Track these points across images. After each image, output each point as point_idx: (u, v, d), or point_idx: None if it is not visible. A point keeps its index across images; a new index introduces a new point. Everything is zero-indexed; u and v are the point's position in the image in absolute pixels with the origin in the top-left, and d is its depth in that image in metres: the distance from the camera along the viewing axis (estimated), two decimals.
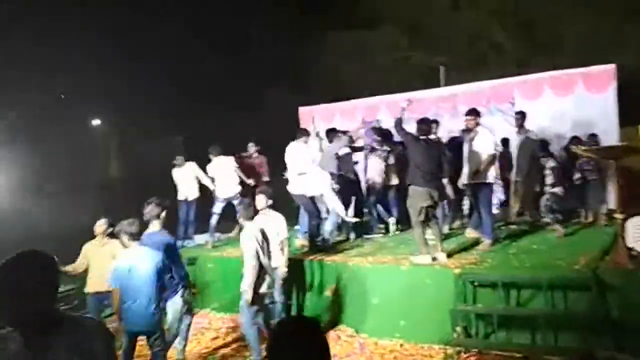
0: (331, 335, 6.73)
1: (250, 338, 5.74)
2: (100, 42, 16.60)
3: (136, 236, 5.11)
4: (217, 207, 8.90)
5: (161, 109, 17.57)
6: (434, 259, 6.69)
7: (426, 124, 7.15)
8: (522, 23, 14.94)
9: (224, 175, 8.93)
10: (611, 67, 8.89)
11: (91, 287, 6.37)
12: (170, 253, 5.42)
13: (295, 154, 8.11)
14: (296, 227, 8.79)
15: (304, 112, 11.88)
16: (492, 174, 7.28)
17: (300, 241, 8.38)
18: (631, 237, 6.41)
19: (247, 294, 5.55)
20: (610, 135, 8.42)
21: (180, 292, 5.70)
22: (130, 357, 5.10)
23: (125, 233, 5.07)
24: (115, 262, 5.07)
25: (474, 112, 7.35)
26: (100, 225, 6.54)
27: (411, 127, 7.17)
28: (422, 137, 6.91)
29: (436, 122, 8.71)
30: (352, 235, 8.60)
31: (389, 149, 8.88)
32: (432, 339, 6.07)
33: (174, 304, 5.70)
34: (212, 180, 9.08)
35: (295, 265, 7.42)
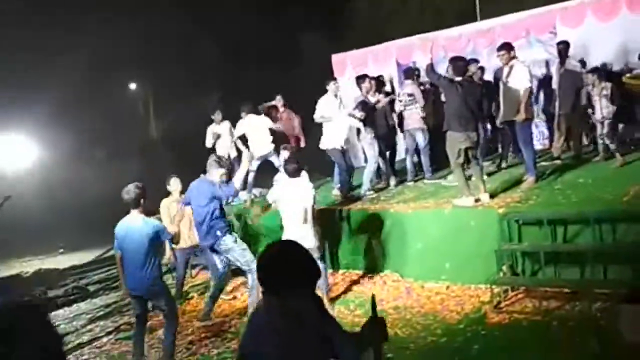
0: (377, 281, 6.85)
1: None
2: (131, 4, 16.64)
3: None
4: (253, 165, 8.90)
5: (195, 69, 17.62)
6: (477, 200, 6.62)
7: (461, 63, 6.91)
8: None
9: (256, 132, 8.87)
10: None
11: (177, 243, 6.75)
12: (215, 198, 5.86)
13: (324, 107, 8.11)
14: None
15: (337, 59, 11.69)
16: (531, 110, 7.06)
17: (335, 192, 8.40)
18: None
19: None
20: None
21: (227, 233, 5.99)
22: (142, 321, 5.36)
23: None
24: (116, 228, 5.21)
25: (505, 47, 7.10)
26: (175, 182, 7.07)
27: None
28: (457, 80, 6.70)
29: (475, 60, 8.44)
30: (392, 182, 8.54)
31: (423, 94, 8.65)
32: (478, 279, 6.06)
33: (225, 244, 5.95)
34: (244, 138, 9.04)
35: (337, 215, 7.51)
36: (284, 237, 5.67)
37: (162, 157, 17.07)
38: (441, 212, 6.70)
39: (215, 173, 5.95)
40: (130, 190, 5.07)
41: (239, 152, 9.09)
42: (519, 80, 6.89)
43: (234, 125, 9.35)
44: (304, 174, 6.28)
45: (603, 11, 8.73)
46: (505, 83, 7.03)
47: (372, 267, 7.14)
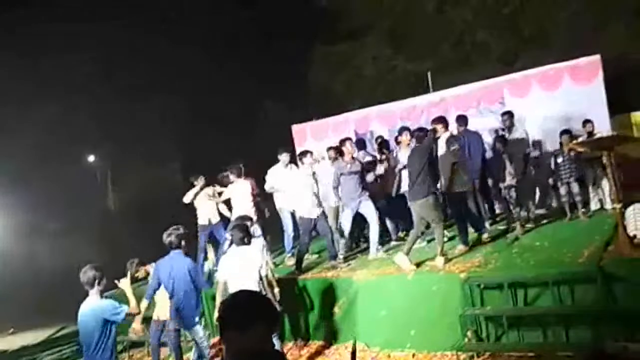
0: (342, 352, 6.72)
1: None
2: (86, 75, 16.71)
3: None
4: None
5: (153, 139, 17.64)
6: (417, 264, 6.82)
7: (421, 133, 7.26)
8: (505, 18, 15.00)
9: (242, 198, 8.65)
10: (596, 58, 8.91)
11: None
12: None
13: (273, 177, 8.47)
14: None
15: (298, 129, 11.91)
16: (462, 181, 7.35)
17: (290, 260, 8.42)
18: (632, 224, 6.44)
19: None
20: (602, 125, 8.43)
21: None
22: None
23: None
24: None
25: (438, 120, 7.48)
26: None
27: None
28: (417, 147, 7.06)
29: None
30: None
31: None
32: (443, 345, 6.05)
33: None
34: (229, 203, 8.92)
35: (297, 284, 7.44)
36: None
37: (120, 229, 16.70)
38: (403, 278, 6.72)
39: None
40: (86, 271, 4.92)
41: (222, 217, 9.10)
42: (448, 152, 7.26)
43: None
44: (255, 241, 6.29)
45: (547, 82, 9.27)
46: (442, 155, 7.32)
47: (338, 337, 7.02)
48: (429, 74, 10.91)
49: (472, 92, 9.95)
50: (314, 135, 11.43)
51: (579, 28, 13.24)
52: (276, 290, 6.17)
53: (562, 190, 8.16)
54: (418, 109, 10.42)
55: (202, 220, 9.35)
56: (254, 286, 5.55)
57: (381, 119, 10.76)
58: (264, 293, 5.59)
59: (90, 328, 4.83)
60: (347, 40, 17.37)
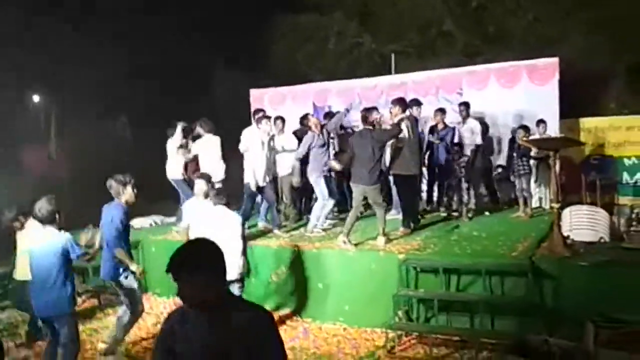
0: (275, 320, 6.72)
1: None
2: (41, 14, 15.86)
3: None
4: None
5: (106, 88, 16.98)
6: (344, 242, 6.83)
7: (365, 113, 7.25)
8: (472, 13, 15.19)
9: (210, 154, 8.30)
10: (554, 60, 9.14)
11: None
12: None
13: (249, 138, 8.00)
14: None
15: (256, 94, 11.73)
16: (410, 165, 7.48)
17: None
18: (567, 225, 6.70)
19: None
20: (551, 126, 8.68)
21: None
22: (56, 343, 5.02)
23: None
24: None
25: (398, 101, 7.56)
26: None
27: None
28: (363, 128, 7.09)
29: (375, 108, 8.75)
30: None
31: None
32: (374, 323, 6.16)
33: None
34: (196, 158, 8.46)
35: None
36: None
37: (60, 177, 16.11)
38: (344, 253, 6.77)
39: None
40: (44, 205, 4.74)
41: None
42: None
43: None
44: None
45: (505, 78, 9.45)
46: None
47: (271, 305, 7.03)
48: (392, 55, 10.92)
49: (432, 79, 10.05)
50: (271, 102, 11.29)
51: (540, 33, 13.55)
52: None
53: (517, 183, 8.36)
54: (378, 89, 10.45)
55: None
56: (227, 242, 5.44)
57: (340, 95, 10.73)
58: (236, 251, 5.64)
59: (48, 263, 4.71)
60: (314, 12, 17.16)
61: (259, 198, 8.36)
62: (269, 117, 8.16)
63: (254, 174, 7.80)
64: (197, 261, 2.27)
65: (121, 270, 5.61)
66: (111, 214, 5.57)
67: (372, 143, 6.87)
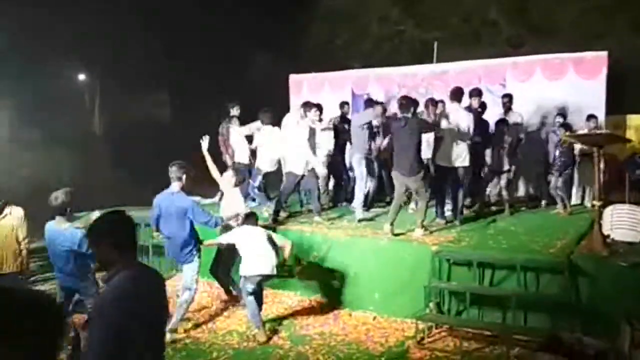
0: (306, 305, 6.80)
1: None
2: None
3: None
4: (257, 181, 8.63)
5: (148, 67, 17.23)
6: (392, 232, 6.82)
7: (408, 101, 7.11)
8: (518, 3, 14.80)
9: (269, 146, 8.45)
10: (603, 54, 8.85)
11: None
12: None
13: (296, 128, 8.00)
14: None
15: (295, 80, 11.73)
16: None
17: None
18: (608, 224, 6.52)
19: None
20: (599, 122, 8.43)
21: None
22: None
23: None
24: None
25: (457, 91, 7.49)
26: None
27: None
28: (404, 117, 6.94)
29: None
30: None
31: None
32: (405, 313, 6.15)
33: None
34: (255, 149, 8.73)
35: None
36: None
37: (103, 152, 16.52)
38: (377, 241, 6.76)
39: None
40: (58, 197, 4.91)
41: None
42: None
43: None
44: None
45: (550, 70, 9.20)
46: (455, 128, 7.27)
47: (303, 291, 7.10)
48: (435, 44, 10.74)
49: (475, 69, 9.86)
50: (310, 88, 11.28)
51: (588, 25, 13.12)
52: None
53: (552, 181, 8.21)
54: (419, 78, 10.32)
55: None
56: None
57: (380, 82, 10.64)
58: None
59: (60, 253, 4.91)
60: None
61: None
62: (317, 106, 8.10)
63: (299, 162, 7.73)
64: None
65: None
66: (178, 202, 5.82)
67: (410, 132, 6.80)
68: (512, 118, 8.52)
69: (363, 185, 7.88)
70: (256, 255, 5.88)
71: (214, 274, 6.88)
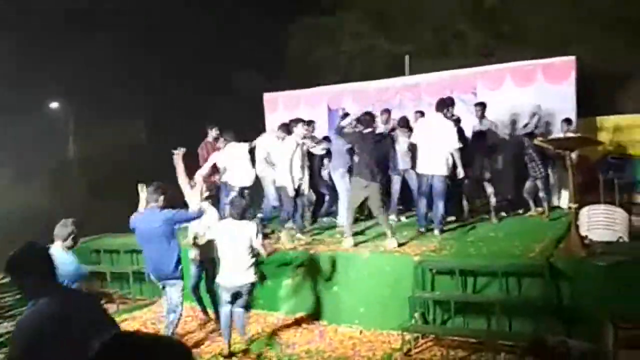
0: (291, 324, 6.76)
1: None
2: (57, 21, 16.07)
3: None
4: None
5: (122, 92, 17.14)
6: (356, 244, 7.03)
7: (368, 117, 7.32)
8: (486, 13, 15.09)
9: (238, 162, 8.42)
10: (571, 59, 9.05)
11: None
12: None
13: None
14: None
15: (270, 98, 11.77)
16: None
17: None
18: (584, 225, 6.63)
19: None
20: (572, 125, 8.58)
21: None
22: None
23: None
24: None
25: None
26: None
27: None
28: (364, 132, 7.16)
29: (386, 111, 8.87)
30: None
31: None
32: (390, 325, 6.13)
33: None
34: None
35: None
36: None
37: (75, 178, 16.33)
38: (359, 255, 6.77)
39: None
40: (67, 225, 4.79)
41: None
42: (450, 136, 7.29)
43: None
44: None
45: (520, 77, 9.36)
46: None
47: (286, 308, 7.06)
48: (406, 57, 10.89)
49: (446, 80, 10.00)
50: (285, 105, 11.33)
51: (557, 32, 13.41)
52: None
53: (527, 185, 8.32)
54: (392, 91, 10.43)
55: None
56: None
57: (355, 97, 10.72)
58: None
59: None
60: (329, 14, 17.16)
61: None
62: (303, 121, 8.06)
63: (290, 178, 7.72)
64: (16, 265, 2.75)
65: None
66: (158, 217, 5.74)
67: (371, 143, 7.09)
68: (486, 126, 8.64)
69: (345, 200, 7.87)
70: (233, 261, 5.75)
71: (196, 293, 6.83)
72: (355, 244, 7.11)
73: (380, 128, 8.10)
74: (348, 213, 7.26)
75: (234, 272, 5.76)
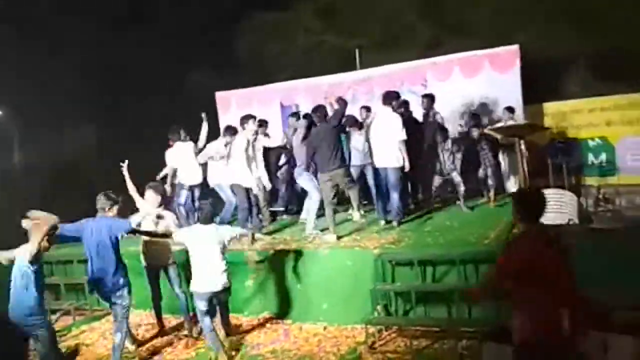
0: (255, 324, 6.72)
1: None
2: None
3: None
4: (181, 197, 8.48)
5: (70, 96, 16.61)
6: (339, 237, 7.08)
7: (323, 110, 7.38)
8: (433, 4, 15.29)
9: (186, 161, 8.42)
10: (515, 48, 9.30)
11: None
12: None
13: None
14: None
15: (222, 97, 11.65)
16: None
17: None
18: None
19: None
20: (516, 113, 8.82)
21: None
22: None
23: None
24: None
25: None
26: None
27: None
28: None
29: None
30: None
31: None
32: (354, 319, 6.18)
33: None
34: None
35: None
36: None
37: (23, 187, 15.76)
38: (319, 252, 6.78)
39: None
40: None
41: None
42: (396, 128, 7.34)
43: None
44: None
45: (468, 68, 9.56)
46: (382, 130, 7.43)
47: (250, 309, 7.01)
48: (357, 51, 10.94)
49: (397, 73, 10.13)
50: (238, 104, 11.23)
51: (502, 21, 13.71)
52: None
53: (480, 172, 8.50)
54: (345, 85, 10.46)
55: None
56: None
57: (308, 93, 10.72)
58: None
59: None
60: (281, 9, 17.06)
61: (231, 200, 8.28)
62: (254, 118, 8.01)
63: (243, 175, 7.73)
64: None
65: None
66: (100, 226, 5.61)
67: (324, 134, 7.17)
68: (434, 117, 8.76)
69: (317, 199, 7.80)
70: (207, 266, 5.67)
71: (157, 303, 6.72)
72: (339, 238, 7.16)
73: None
74: (327, 209, 7.23)
75: (210, 277, 5.66)
